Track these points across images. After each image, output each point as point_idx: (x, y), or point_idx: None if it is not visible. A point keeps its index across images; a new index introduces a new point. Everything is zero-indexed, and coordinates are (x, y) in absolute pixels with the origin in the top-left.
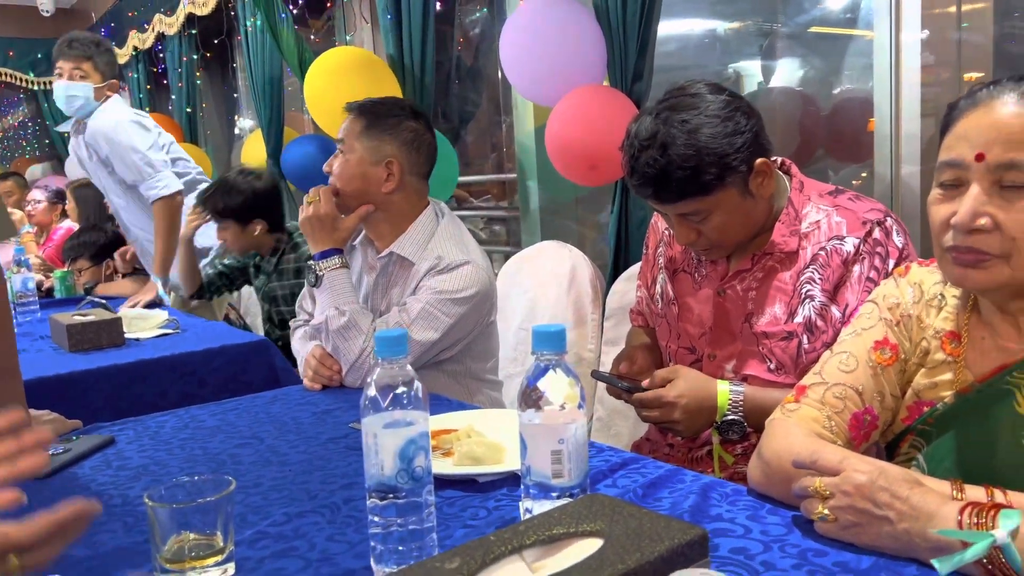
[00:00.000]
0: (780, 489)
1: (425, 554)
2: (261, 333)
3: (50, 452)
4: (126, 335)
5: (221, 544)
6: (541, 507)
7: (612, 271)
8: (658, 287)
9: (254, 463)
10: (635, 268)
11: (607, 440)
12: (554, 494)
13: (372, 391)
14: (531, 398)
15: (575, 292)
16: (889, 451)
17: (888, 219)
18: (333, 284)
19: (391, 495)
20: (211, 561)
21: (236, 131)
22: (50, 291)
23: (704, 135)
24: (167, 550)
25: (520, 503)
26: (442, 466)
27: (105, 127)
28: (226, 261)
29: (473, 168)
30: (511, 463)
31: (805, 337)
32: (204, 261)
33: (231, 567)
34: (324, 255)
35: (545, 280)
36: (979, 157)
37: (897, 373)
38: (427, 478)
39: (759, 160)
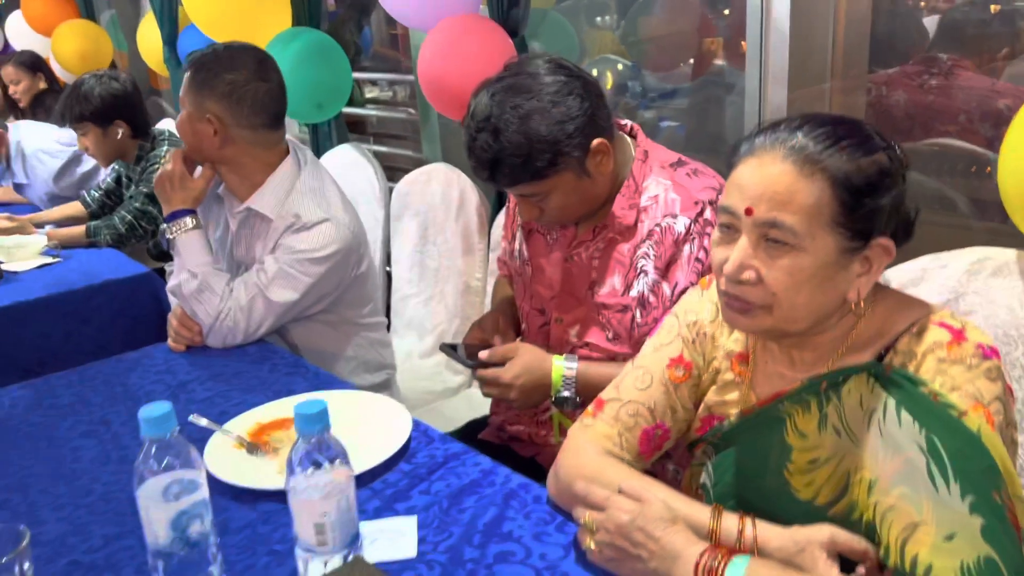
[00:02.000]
0: (569, 505)
1: None
2: None
3: None
4: (3, 267)
5: None
6: (313, 566)
7: (497, 199)
8: (516, 244)
9: (93, 460)
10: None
11: (469, 401)
12: (322, 556)
13: (145, 462)
14: (297, 474)
15: (464, 219)
16: (690, 449)
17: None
18: (184, 246)
19: (167, 557)
20: None
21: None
22: None
23: (535, 121)
24: None
25: (296, 554)
26: (262, 474)
27: None
28: (101, 186)
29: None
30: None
31: (638, 312)
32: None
33: None
34: (174, 216)
35: (435, 204)
36: (748, 211)
37: (690, 388)
38: (206, 541)
39: (596, 141)
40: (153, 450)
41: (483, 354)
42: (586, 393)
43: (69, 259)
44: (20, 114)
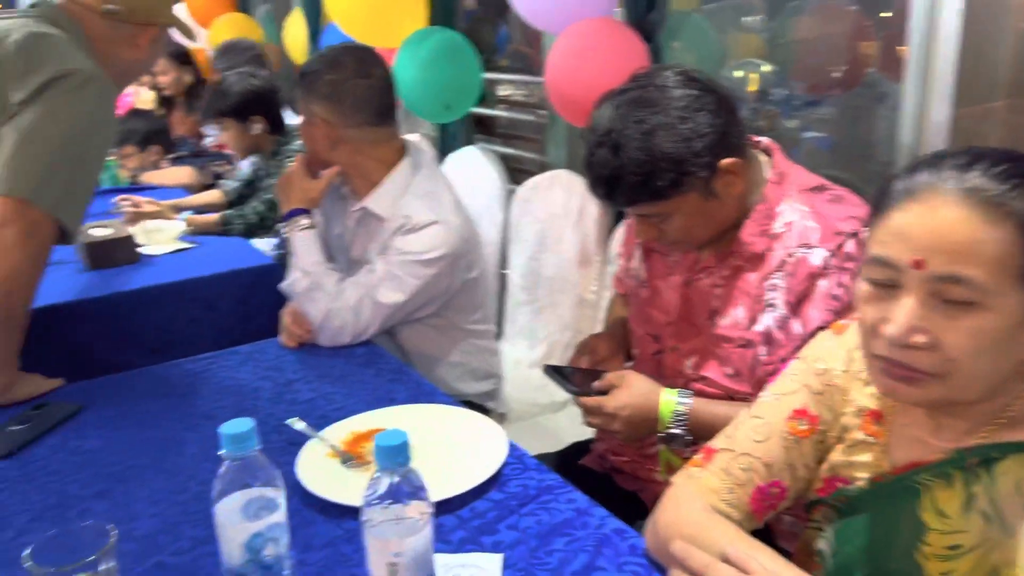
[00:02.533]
0: (667, 563)
1: None
2: None
3: (12, 427)
4: (142, 250)
5: None
6: None
7: (618, 211)
8: (634, 262)
9: (194, 456)
10: None
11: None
12: None
13: (225, 478)
14: (372, 506)
15: (583, 229)
16: (807, 509)
17: (865, 231)
18: (298, 246)
19: None
20: None
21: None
22: None
23: (659, 138)
24: None
25: None
26: (351, 489)
27: None
28: (239, 177)
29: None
30: (437, 491)
31: (763, 349)
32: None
33: None
34: (289, 216)
35: (556, 211)
36: (918, 265)
37: (814, 444)
38: (280, 564)
39: (725, 160)
40: (233, 467)
41: (596, 384)
42: (698, 432)
43: (201, 246)
44: (173, 107)
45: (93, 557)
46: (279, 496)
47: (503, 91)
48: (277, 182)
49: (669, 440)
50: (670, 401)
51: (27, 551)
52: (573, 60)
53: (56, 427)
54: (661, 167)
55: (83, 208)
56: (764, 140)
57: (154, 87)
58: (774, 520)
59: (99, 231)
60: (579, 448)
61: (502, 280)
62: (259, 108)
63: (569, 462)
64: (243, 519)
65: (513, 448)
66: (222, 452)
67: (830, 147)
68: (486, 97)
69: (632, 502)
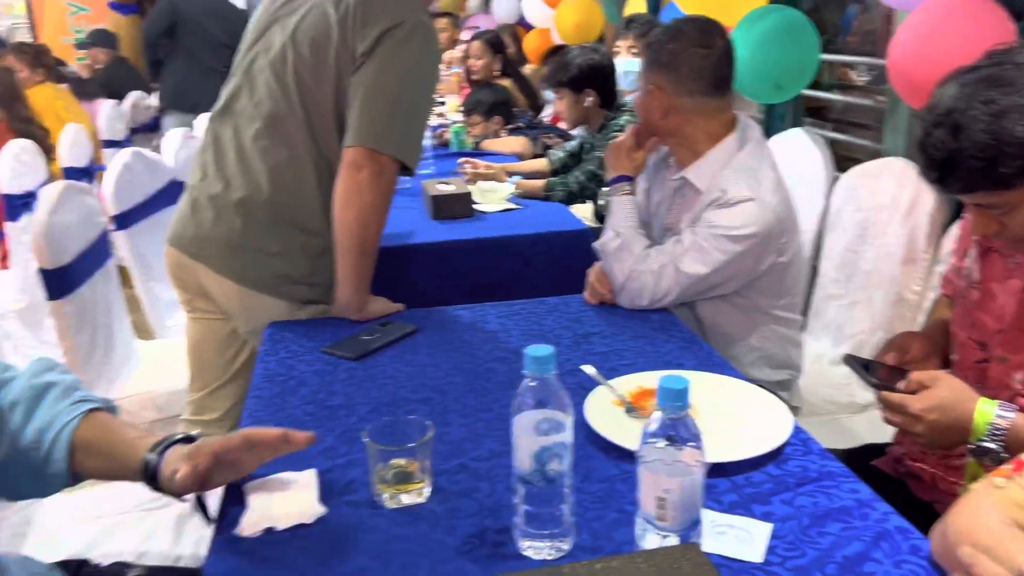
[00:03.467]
0: (951, 569)
1: (555, 537)
2: None
3: (365, 336)
4: (477, 206)
5: (419, 477)
6: (650, 537)
7: (957, 206)
8: (967, 262)
9: (500, 383)
10: None
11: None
12: (659, 531)
13: (523, 395)
14: (648, 443)
15: (912, 223)
16: None
17: None
18: (616, 208)
19: (527, 484)
20: (410, 488)
21: None
22: (448, 142)
23: (1011, 120)
24: (378, 474)
25: (636, 520)
26: (632, 435)
27: None
28: (566, 148)
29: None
30: (714, 454)
31: None
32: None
33: (424, 495)
34: (613, 181)
35: (883, 202)
36: None
37: None
38: (561, 480)
39: None
40: (532, 386)
41: (900, 384)
42: (1016, 450)
43: (526, 208)
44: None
45: (413, 444)
46: (567, 420)
47: (840, 73)
48: (606, 149)
49: (981, 454)
50: (987, 412)
51: (365, 430)
52: (924, 39)
53: (396, 342)
54: (1008, 152)
55: (420, 146)
56: None
57: (466, 70)
58: None
59: (443, 187)
60: (871, 450)
61: (813, 270)
62: (594, 82)
63: (859, 461)
64: (534, 433)
65: (798, 431)
66: (524, 371)
67: None
68: (819, 79)
69: (925, 512)
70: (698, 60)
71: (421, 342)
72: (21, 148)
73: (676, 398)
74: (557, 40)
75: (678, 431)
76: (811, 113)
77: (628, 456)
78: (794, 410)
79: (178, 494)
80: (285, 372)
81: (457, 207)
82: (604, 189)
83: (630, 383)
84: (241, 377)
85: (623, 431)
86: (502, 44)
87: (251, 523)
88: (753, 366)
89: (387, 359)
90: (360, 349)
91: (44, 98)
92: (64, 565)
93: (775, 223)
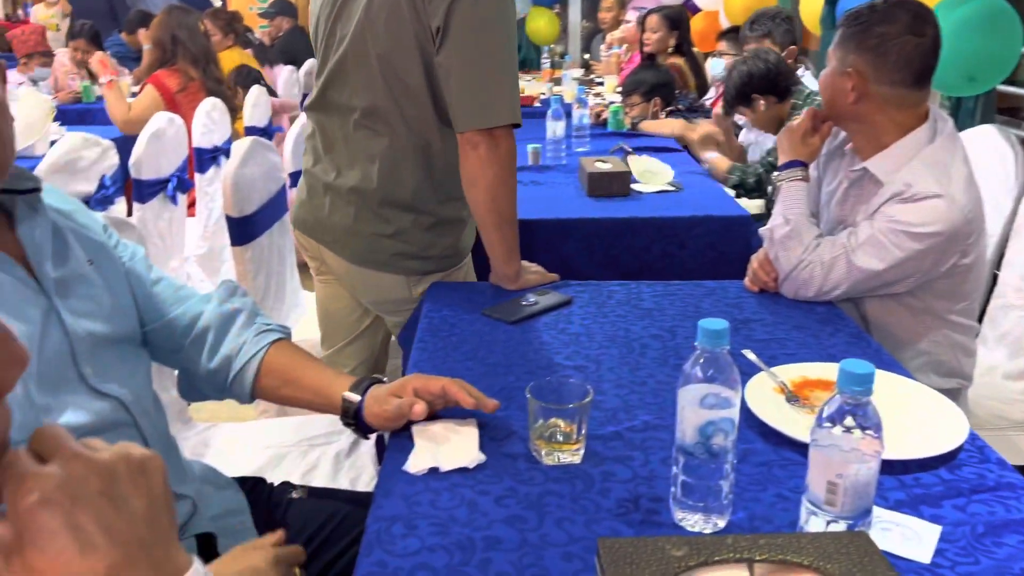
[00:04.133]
0: None
1: (711, 511)
2: None
3: (522, 302)
4: (635, 186)
5: (575, 438)
6: (815, 521)
7: None
8: None
9: (654, 359)
10: None
11: None
12: (826, 517)
13: (692, 367)
14: (824, 427)
15: None
16: None
17: None
18: (787, 194)
19: (688, 456)
20: (566, 448)
21: None
22: (606, 121)
23: None
24: (536, 430)
25: (802, 502)
26: (792, 423)
27: None
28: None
29: None
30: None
31: None
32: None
33: (579, 457)
34: (786, 166)
35: None
36: None
37: None
38: (724, 456)
39: None
40: (702, 359)
41: None
42: None
43: (684, 191)
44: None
45: (573, 405)
46: (734, 397)
47: None
48: (780, 133)
49: None
50: None
51: (528, 386)
52: None
53: (551, 310)
54: None
55: (517, 96)
56: None
57: (639, 43)
58: None
59: (601, 165)
60: None
61: (993, 278)
62: (756, 88)
63: None
64: (700, 406)
65: (974, 438)
66: (697, 343)
67: None
68: (1016, 74)
69: None
70: (909, 48)
71: (575, 313)
72: (212, 106)
73: (860, 382)
74: (725, 23)
75: (858, 417)
76: (1004, 111)
77: (787, 443)
78: None
79: (375, 430)
80: (447, 329)
81: (614, 185)
82: (775, 174)
83: (792, 372)
84: (366, 338)
85: (784, 418)
86: (681, 21)
87: (417, 462)
88: (919, 371)
89: (542, 326)
90: (517, 314)
91: (232, 61)
92: (240, 481)
93: (962, 223)
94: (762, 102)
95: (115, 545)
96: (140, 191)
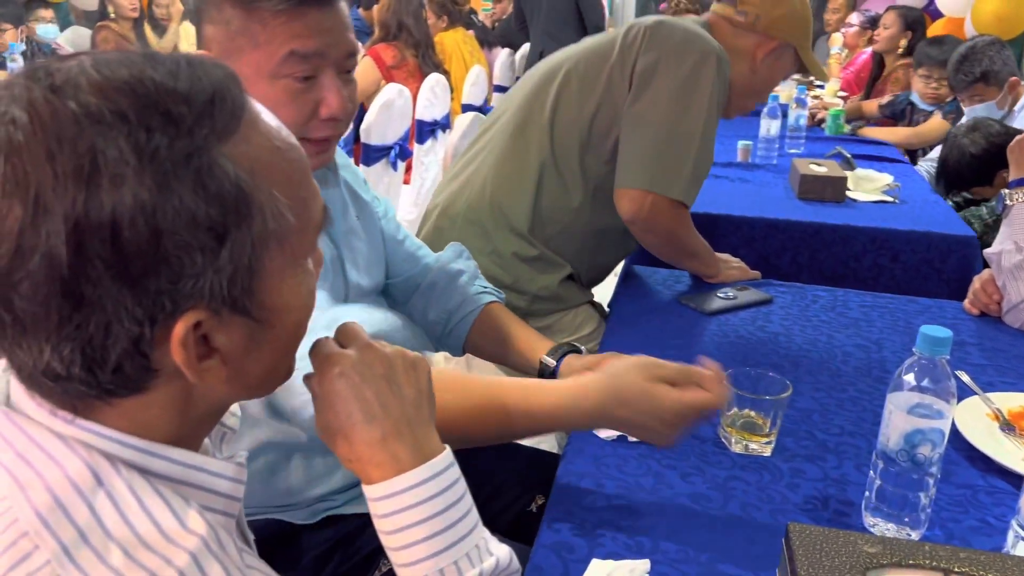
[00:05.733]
0: None
1: (904, 522)
2: None
3: (719, 294)
4: (850, 194)
5: (767, 431)
6: (1022, 547)
7: None
8: None
9: (856, 368)
10: None
11: None
12: None
13: (907, 374)
14: None
15: None
16: None
17: None
18: (1017, 217)
19: (889, 461)
20: (755, 439)
21: None
22: (823, 121)
23: None
24: (728, 417)
25: (1012, 526)
26: (1006, 451)
27: None
28: None
29: None
30: None
31: None
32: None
33: (769, 450)
34: (1017, 183)
35: None
36: None
37: None
38: (928, 468)
39: None
40: (918, 366)
41: None
42: None
43: (904, 204)
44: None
45: (770, 398)
46: (947, 410)
47: None
48: (1010, 145)
49: None
50: None
51: (728, 371)
52: None
53: (749, 306)
54: None
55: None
56: None
57: (868, 39)
58: None
59: (816, 168)
60: None
61: None
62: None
63: None
64: (909, 413)
65: None
66: (915, 348)
67: None
68: None
69: None
70: None
71: (775, 312)
72: (435, 81)
73: None
74: (970, 32)
75: None
76: None
77: (997, 470)
78: None
79: None
80: (642, 312)
81: (828, 190)
82: (1005, 190)
83: (1011, 400)
84: None
85: (996, 444)
86: (918, 23)
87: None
88: None
89: (739, 320)
90: (714, 306)
91: (454, 42)
92: None
93: None
94: (1004, 173)
95: (388, 418)
96: (367, 155)
